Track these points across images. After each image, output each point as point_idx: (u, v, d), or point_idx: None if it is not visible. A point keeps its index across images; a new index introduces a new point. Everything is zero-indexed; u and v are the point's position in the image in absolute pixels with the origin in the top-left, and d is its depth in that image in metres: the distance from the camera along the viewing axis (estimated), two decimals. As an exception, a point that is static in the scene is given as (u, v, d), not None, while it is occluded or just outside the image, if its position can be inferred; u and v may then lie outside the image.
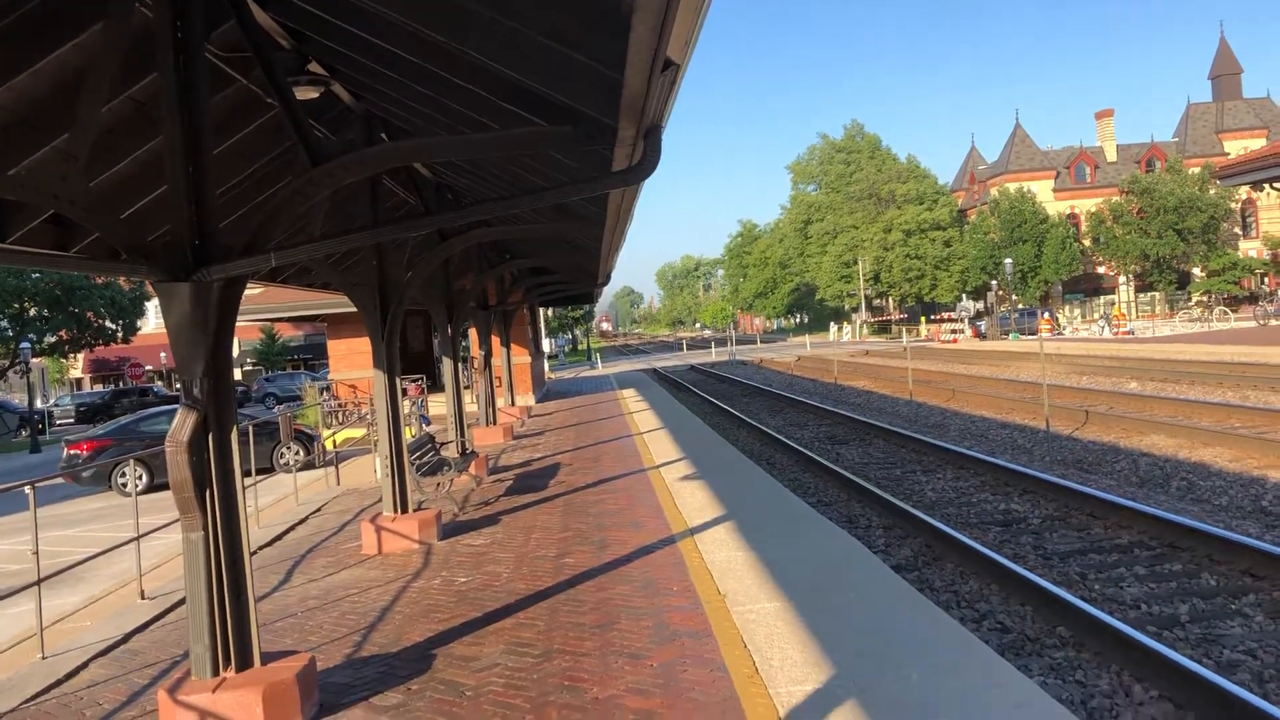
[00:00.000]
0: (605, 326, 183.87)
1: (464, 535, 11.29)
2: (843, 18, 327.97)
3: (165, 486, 5.92)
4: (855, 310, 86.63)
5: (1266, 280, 71.33)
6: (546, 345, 65.32)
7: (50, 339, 49.81)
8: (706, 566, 8.76)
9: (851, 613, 7.09)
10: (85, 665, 7.60)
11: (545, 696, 5.97)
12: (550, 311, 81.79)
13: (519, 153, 9.35)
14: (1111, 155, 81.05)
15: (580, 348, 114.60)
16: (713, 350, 74.12)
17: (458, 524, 12.01)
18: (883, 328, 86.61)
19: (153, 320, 64.48)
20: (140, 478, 18.74)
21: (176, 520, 5.93)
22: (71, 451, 20.50)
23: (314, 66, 8.47)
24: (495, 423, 21.95)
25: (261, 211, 6.30)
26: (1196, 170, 70.66)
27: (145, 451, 17.68)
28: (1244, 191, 69.67)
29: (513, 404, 26.80)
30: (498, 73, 6.16)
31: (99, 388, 68.04)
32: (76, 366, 72.13)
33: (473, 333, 28.01)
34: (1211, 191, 68.28)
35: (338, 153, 7.55)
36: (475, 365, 24.84)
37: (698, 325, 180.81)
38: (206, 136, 5.86)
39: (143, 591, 9.73)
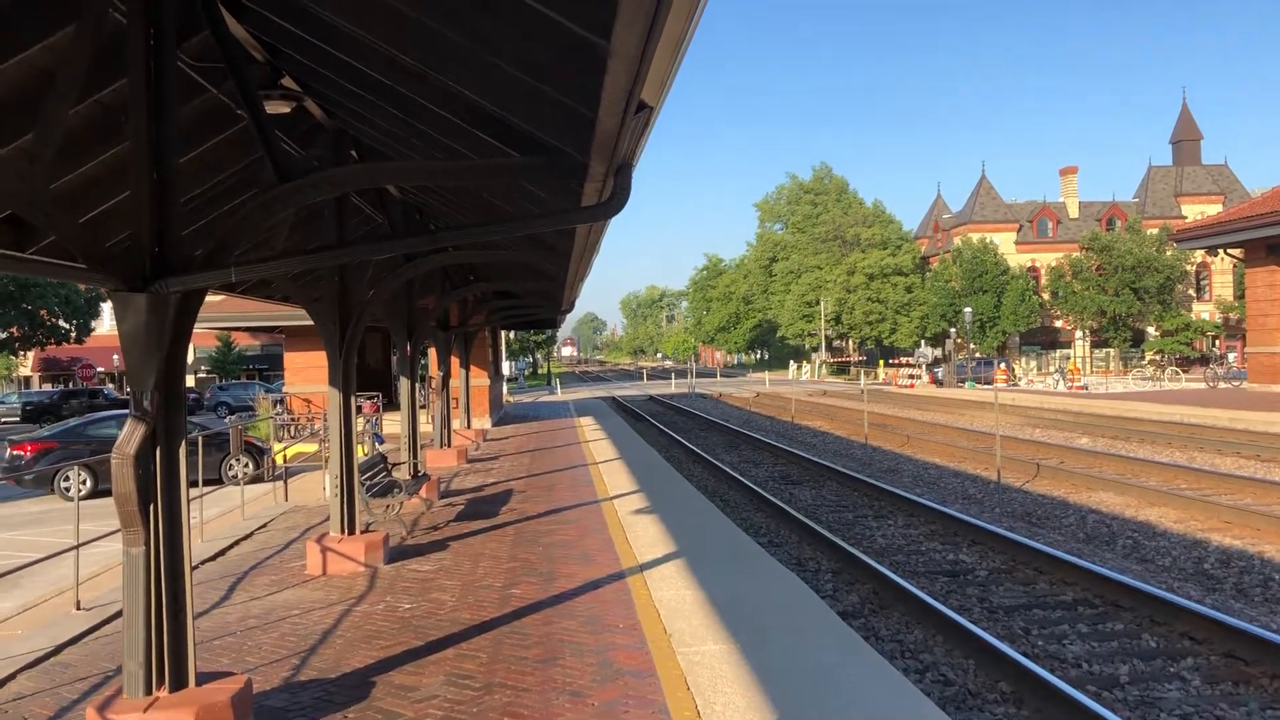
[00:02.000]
0: (568, 351, 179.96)
1: (411, 560, 11.17)
2: (814, 63, 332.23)
3: (109, 492, 5.81)
4: (815, 350, 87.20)
5: (1217, 343, 72.76)
6: (506, 368, 65.12)
7: (0, 335, 48.92)
8: (654, 604, 8.72)
9: (797, 659, 7.07)
10: (13, 676, 7.41)
11: (484, 731, 5.89)
12: (512, 334, 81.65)
13: (490, 181, 9.34)
14: (1074, 211, 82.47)
15: (540, 371, 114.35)
16: (673, 382, 74.24)
17: (405, 548, 11.88)
18: (841, 368, 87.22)
19: (108, 321, 63.50)
20: (85, 483, 18.38)
21: (118, 529, 5.81)
22: (15, 452, 20.07)
23: (287, 81, 8.43)
24: (450, 445, 21.78)
25: (224, 224, 6.24)
26: (1155, 231, 72.16)
27: (91, 457, 17.35)
28: (1199, 255, 71.18)
29: (469, 426, 26.63)
30: (472, 101, 6.16)
31: (48, 387, 66.78)
32: (26, 364, 70.83)
33: (432, 352, 27.86)
34: (1168, 253, 69.70)
35: (306, 169, 7.50)
36: (433, 385, 24.68)
37: (659, 355, 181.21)
38: (173, 145, 5.80)
39: (79, 601, 9.51)
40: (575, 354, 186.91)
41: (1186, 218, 71.40)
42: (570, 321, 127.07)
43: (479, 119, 6.55)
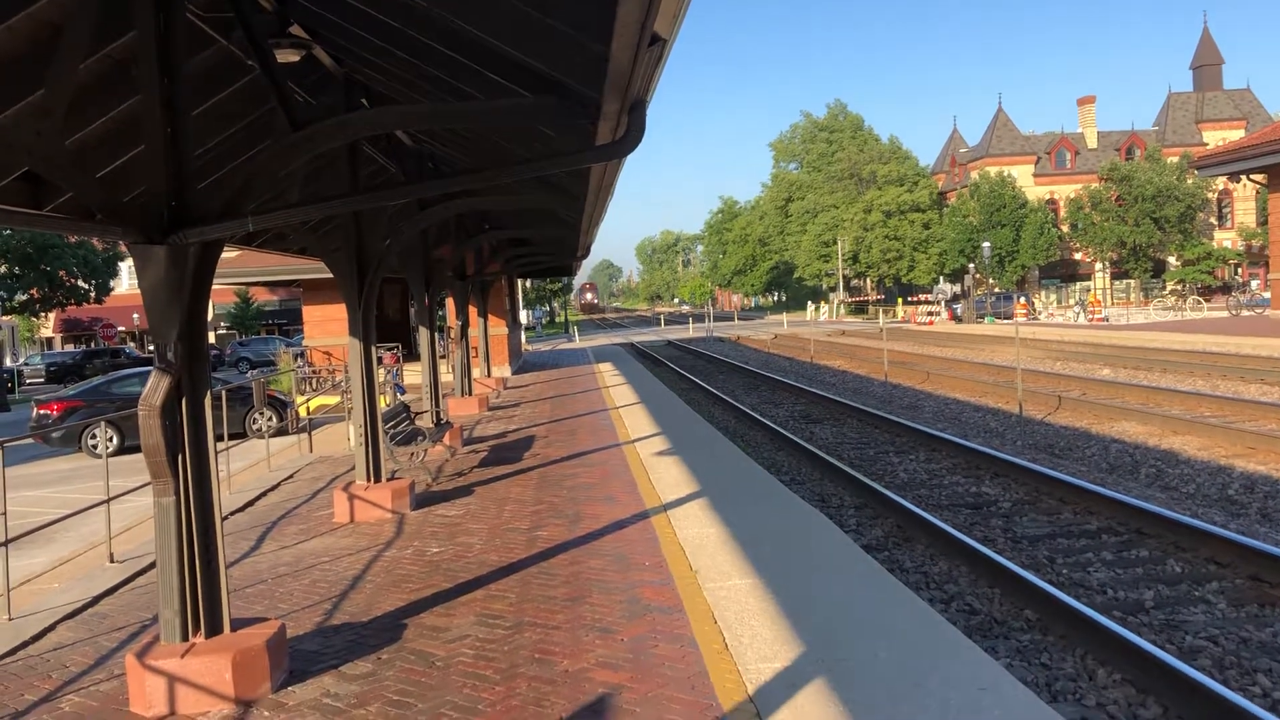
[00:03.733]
0: (589, 297, 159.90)
1: (437, 506, 11.28)
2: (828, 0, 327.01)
3: (136, 449, 5.88)
4: (833, 290, 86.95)
5: (1240, 271, 72.03)
6: (524, 317, 65.23)
7: (21, 297, 49.29)
8: (679, 542, 8.80)
9: (821, 591, 7.13)
10: (52, 627, 7.56)
11: (515, 668, 5.98)
12: (528, 283, 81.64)
13: (502, 123, 9.28)
14: (1092, 142, 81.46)
15: (558, 320, 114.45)
16: (690, 326, 74.18)
17: (431, 494, 12.00)
18: (860, 308, 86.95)
19: (126, 281, 63.98)
20: (111, 440, 18.59)
21: (147, 483, 5.89)
22: (41, 411, 20.31)
23: (296, 29, 8.36)
24: (471, 394, 21.90)
25: (240, 175, 6.23)
26: (1175, 159, 71.24)
27: (117, 414, 17.54)
28: (1221, 182, 70.27)
29: (489, 375, 26.74)
30: (482, 41, 6.10)
31: (70, 348, 67.36)
32: (47, 326, 71.43)
33: (450, 302, 27.91)
34: (1189, 181, 68.83)
35: (318, 117, 7.47)
36: (452, 335, 24.76)
37: (676, 301, 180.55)
38: (185, 97, 5.78)
39: (112, 555, 9.67)
40: (595, 300, 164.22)
41: (1208, 145, 70.40)
42: (586, 268, 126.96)
43: (489, 59, 6.50)
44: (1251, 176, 38.81)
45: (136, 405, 5.71)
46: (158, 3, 5.62)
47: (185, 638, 5.76)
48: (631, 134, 5.74)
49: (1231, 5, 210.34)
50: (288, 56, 8.38)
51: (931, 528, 10.50)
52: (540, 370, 33.86)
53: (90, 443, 19.37)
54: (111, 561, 9.56)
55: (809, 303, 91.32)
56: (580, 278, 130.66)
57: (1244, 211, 75.56)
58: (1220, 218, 77.37)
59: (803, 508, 10.08)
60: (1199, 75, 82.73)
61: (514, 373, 32.83)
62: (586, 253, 26.89)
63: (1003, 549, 10.09)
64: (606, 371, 30.91)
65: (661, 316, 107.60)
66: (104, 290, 54.54)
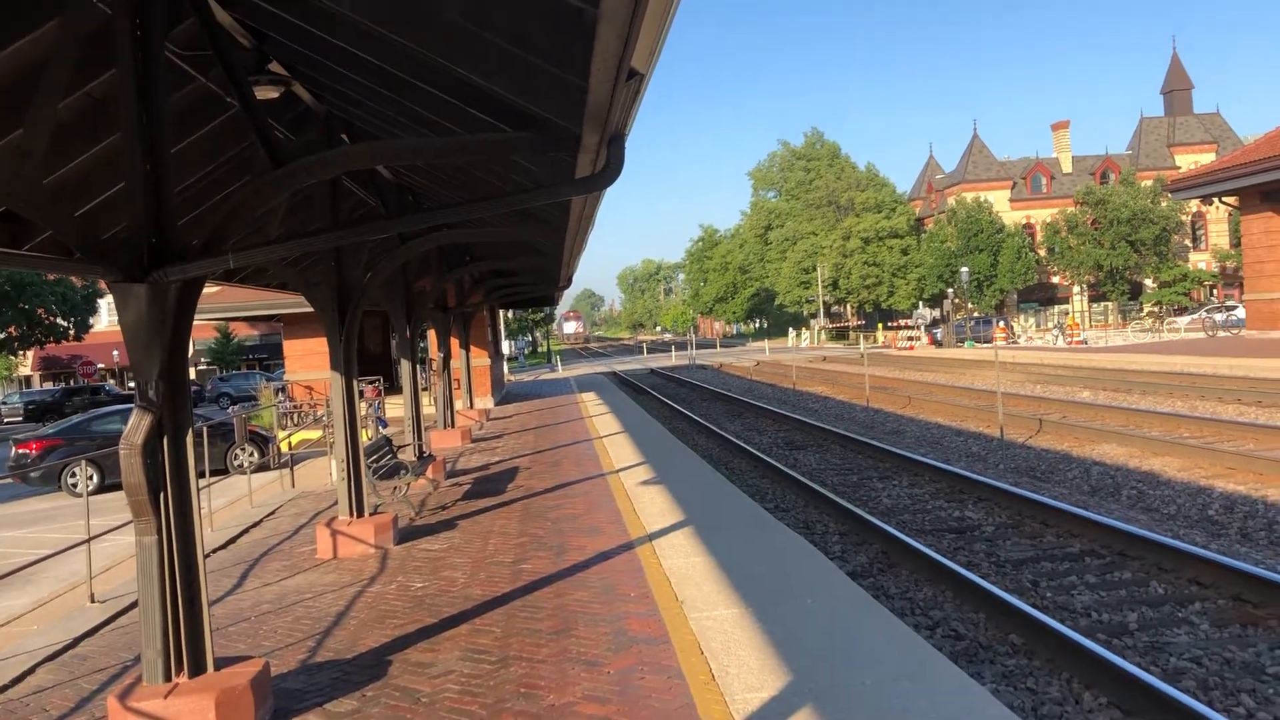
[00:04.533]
0: (572, 327, 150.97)
1: (420, 540, 11.23)
2: (803, 27, 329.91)
3: (117, 487, 5.84)
4: (814, 316, 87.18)
5: (1215, 292, 72.72)
6: (506, 347, 65.16)
7: (-1, 335, 48.90)
8: (664, 572, 8.78)
9: (807, 619, 7.13)
10: (32, 670, 7.47)
11: (501, 703, 5.95)
12: (510, 313, 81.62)
13: (482, 157, 9.32)
14: (1067, 166, 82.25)
15: (540, 350, 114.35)
16: (673, 354, 74.27)
17: (414, 528, 11.94)
18: (841, 334, 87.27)
19: (105, 318, 63.58)
20: (91, 478, 18.45)
21: (128, 522, 5.86)
22: (20, 450, 20.12)
23: (275, 66, 8.40)
24: (453, 425, 21.84)
25: (220, 211, 6.24)
26: (1149, 183, 71.98)
27: (97, 452, 17.41)
28: (1194, 205, 71.11)
29: (471, 406, 26.68)
30: (461, 77, 6.14)
31: (49, 386, 66.84)
32: (26, 364, 70.83)
33: (431, 334, 27.88)
34: (1163, 204, 69.55)
35: (298, 153, 7.49)
36: (434, 367, 24.71)
37: (658, 329, 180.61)
38: (165, 134, 5.79)
39: (93, 595, 9.57)
40: (581, 329, 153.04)
41: (1180, 168, 71.30)
42: (568, 298, 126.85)
43: (469, 95, 6.54)
44: (1224, 199, 39.36)
45: (116, 443, 5.68)
46: (137, 41, 5.65)
47: (168, 678, 5.71)
48: (611, 166, 5.78)
49: (1199, 32, 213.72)
50: (267, 93, 8.42)
51: (916, 553, 10.52)
52: (523, 401, 33.81)
53: (70, 481, 19.20)
54: (92, 602, 9.47)
55: (790, 329, 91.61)
56: (562, 307, 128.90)
57: (1217, 234, 76.45)
58: (1195, 240, 78.19)
59: (788, 535, 10.09)
60: (1170, 100, 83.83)
61: (497, 404, 32.77)
62: (568, 283, 26.93)
63: (987, 573, 10.12)
64: (590, 401, 30.89)
65: (644, 345, 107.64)
66: (83, 327, 54.18)
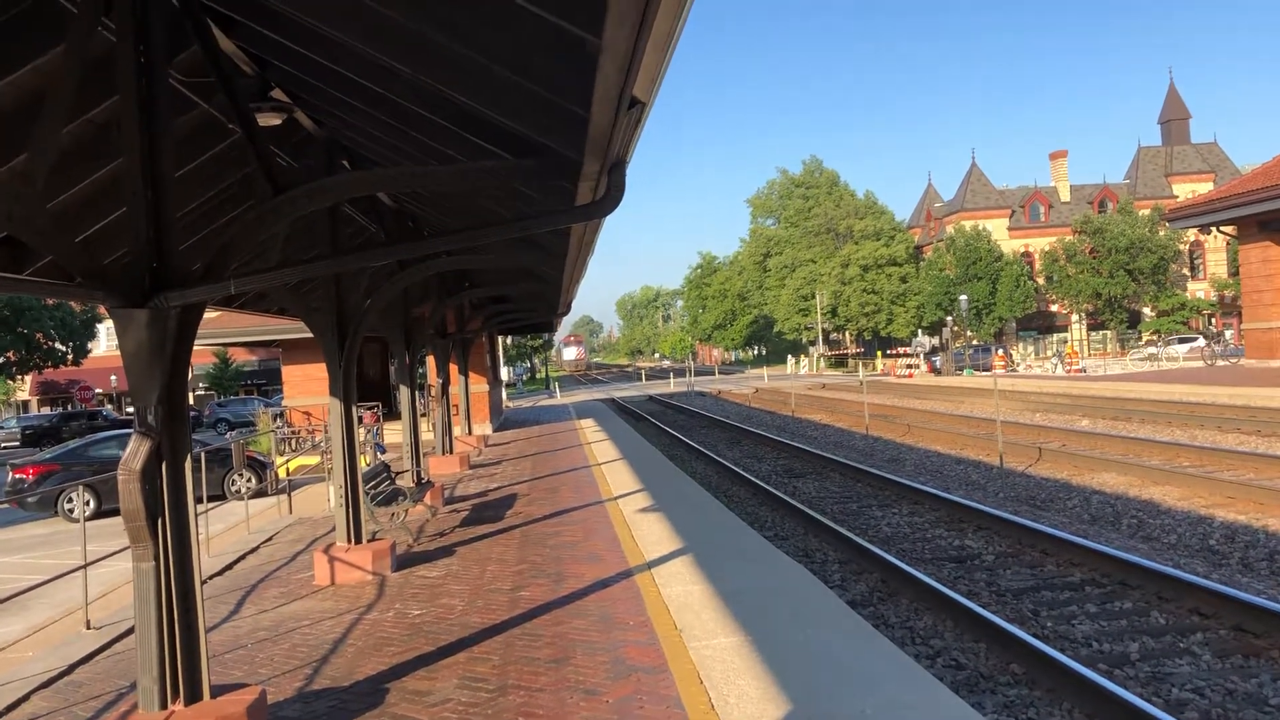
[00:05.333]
0: (573, 353, 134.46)
1: (418, 567, 11.18)
2: (805, 55, 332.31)
3: (114, 512, 5.82)
4: (813, 343, 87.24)
5: (1214, 321, 72.86)
6: (505, 373, 65.15)
7: (-3, 359, 48.89)
8: (664, 600, 8.74)
9: (807, 648, 7.09)
10: (26, 697, 7.42)
11: (499, 732, 5.90)
12: (509, 340, 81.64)
13: (483, 184, 9.36)
14: (1065, 195, 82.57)
15: (539, 376, 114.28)
16: (671, 381, 74.24)
17: (412, 555, 11.89)
18: (839, 361, 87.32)
19: (104, 342, 63.59)
20: (88, 504, 18.38)
21: (125, 548, 5.83)
22: (17, 475, 20.06)
23: (277, 93, 8.44)
24: (452, 452, 21.80)
25: (221, 237, 6.26)
26: (1147, 212, 72.22)
27: (94, 477, 17.36)
28: (1192, 234, 71.33)
29: (470, 433, 26.65)
30: (462, 104, 6.18)
31: (46, 410, 66.71)
32: (23, 388, 70.74)
33: (430, 360, 27.86)
34: (1161, 233, 69.77)
35: (299, 179, 7.52)
36: (432, 393, 24.70)
37: (656, 355, 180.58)
38: (167, 160, 5.81)
39: (89, 621, 9.51)
40: (582, 355, 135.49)
41: (1178, 197, 71.50)
42: (566, 324, 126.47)
43: (470, 122, 6.57)
44: (1221, 228, 39.46)
45: (114, 468, 5.66)
46: (140, 67, 5.67)
47: (164, 706, 5.66)
48: (611, 194, 5.80)
49: (1196, 62, 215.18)
50: (269, 120, 8.45)
51: (916, 582, 10.48)
52: (522, 427, 33.76)
53: (67, 507, 19.13)
54: (88, 628, 9.41)
55: (789, 356, 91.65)
56: (560, 333, 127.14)
57: (1215, 263, 76.66)
58: (1193, 269, 78.40)
59: (787, 563, 10.05)
60: (1167, 129, 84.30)
61: (495, 430, 32.72)
62: (568, 309, 26.99)
63: (987, 602, 10.07)
64: (588, 428, 30.85)
65: (643, 371, 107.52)
66: (81, 352, 54.22)
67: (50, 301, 48.28)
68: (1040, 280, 76.65)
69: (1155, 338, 67.16)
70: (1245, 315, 37.22)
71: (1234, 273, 62.10)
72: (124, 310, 5.55)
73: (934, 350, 65.99)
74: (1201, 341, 55.37)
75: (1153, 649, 8.43)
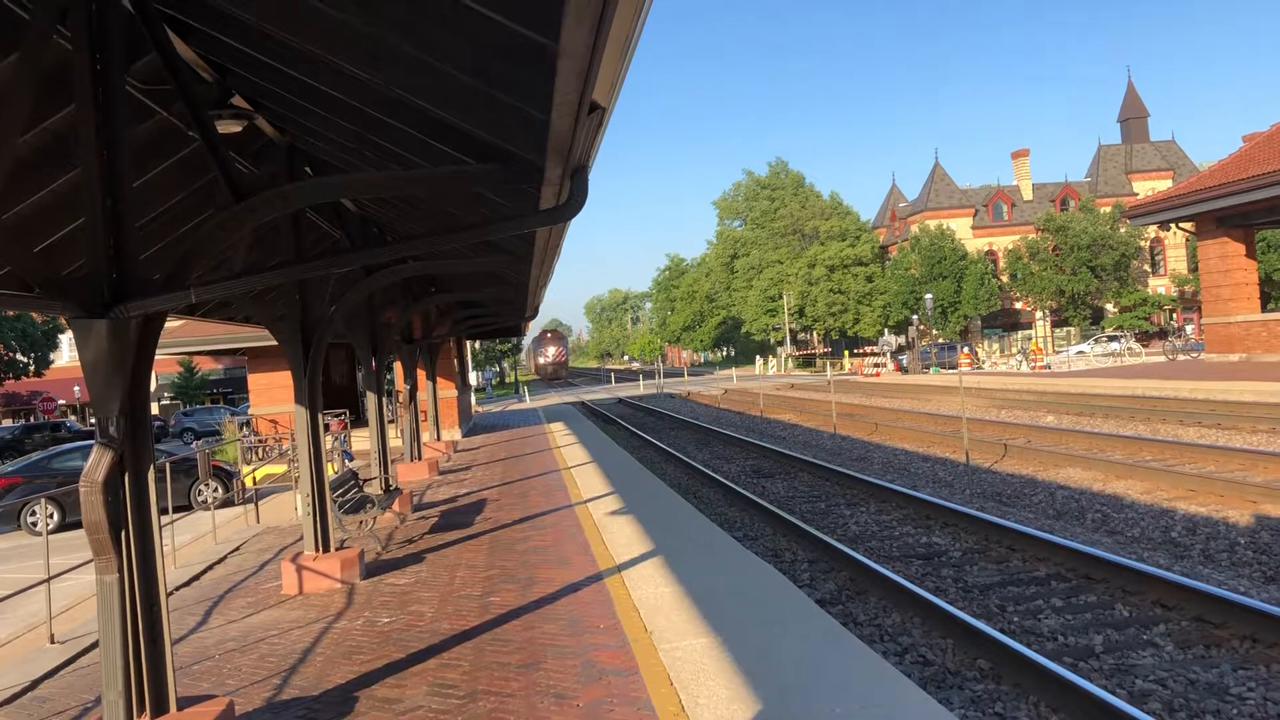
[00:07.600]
0: (550, 353, 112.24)
1: (387, 574, 11.13)
2: (767, 56, 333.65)
3: (77, 525, 5.77)
4: (781, 344, 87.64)
5: (1175, 316, 73.88)
6: (473, 378, 64.92)
7: (-44, 372, 48.16)
8: (634, 603, 8.75)
9: (777, 648, 7.13)
10: (-11, 714, 7.33)
11: (470, 738, 5.90)
12: (477, 344, 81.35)
13: (446, 190, 9.35)
14: (1028, 194, 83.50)
15: (508, 380, 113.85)
16: (641, 383, 74.27)
17: (381, 563, 11.84)
18: (807, 361, 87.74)
19: (66, 353, 62.80)
20: (51, 516, 18.14)
21: (89, 561, 5.77)
22: (-23, 489, 19.77)
23: (237, 100, 8.39)
24: (420, 458, 21.71)
25: (182, 245, 6.21)
26: (1108, 209, 73.24)
27: (58, 490, 17.14)
28: (1152, 231, 72.32)
29: (438, 438, 26.55)
30: (424, 109, 6.17)
31: (8, 422, 65.77)
32: (-16, 400, 69.69)
33: (398, 365, 27.74)
34: (1122, 230, 70.69)
35: (261, 187, 7.47)
36: (400, 399, 24.58)
37: (626, 358, 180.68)
38: (126, 168, 5.76)
39: (52, 635, 9.40)
40: (562, 355, 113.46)
41: (1138, 194, 72.42)
42: (535, 328, 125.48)
43: (432, 128, 6.56)
44: (1181, 225, 39.99)
45: (77, 481, 5.61)
46: (97, 76, 5.62)
47: (130, 719, 5.61)
48: (575, 198, 5.82)
49: (1153, 61, 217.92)
50: (230, 127, 8.39)
51: (884, 580, 10.55)
52: (491, 432, 33.67)
53: (30, 520, 18.86)
54: (52, 642, 9.30)
55: (757, 357, 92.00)
56: (529, 336, 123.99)
57: (1175, 259, 77.76)
58: (1154, 265, 79.49)
59: (756, 564, 10.09)
60: (1126, 128, 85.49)
61: (464, 435, 32.61)
62: (535, 313, 26.95)
63: (954, 599, 10.16)
64: (558, 431, 30.82)
65: (612, 374, 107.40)
66: (43, 363, 53.56)
67: (11, 312, 47.63)
68: (1004, 278, 77.46)
69: (1119, 334, 67.97)
70: (1205, 310, 37.71)
71: (1194, 268, 63.01)
72: (84, 320, 5.50)
73: (900, 349, 66.51)
74: (1116, 345, 56.62)
75: (1117, 641, 8.54)
